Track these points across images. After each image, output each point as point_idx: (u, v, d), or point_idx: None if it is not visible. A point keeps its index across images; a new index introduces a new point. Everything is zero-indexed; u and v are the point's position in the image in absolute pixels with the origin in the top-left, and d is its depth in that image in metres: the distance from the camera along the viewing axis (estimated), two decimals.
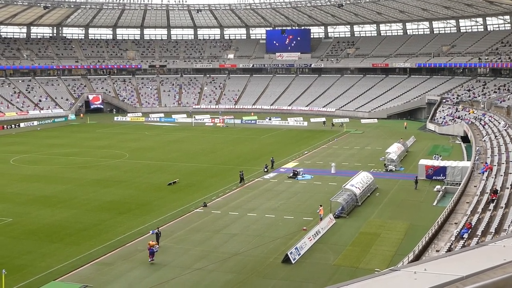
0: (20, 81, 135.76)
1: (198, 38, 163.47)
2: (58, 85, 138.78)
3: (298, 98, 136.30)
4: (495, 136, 63.69)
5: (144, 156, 71.28)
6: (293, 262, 32.04)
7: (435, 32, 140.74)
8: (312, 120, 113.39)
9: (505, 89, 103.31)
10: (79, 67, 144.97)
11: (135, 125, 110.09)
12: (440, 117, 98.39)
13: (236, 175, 55.74)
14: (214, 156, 70.75)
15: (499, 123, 72.80)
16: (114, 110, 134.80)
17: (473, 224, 31.38)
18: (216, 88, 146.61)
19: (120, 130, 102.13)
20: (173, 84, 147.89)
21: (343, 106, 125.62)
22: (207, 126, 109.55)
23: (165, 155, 71.44)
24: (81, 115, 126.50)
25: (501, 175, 42.15)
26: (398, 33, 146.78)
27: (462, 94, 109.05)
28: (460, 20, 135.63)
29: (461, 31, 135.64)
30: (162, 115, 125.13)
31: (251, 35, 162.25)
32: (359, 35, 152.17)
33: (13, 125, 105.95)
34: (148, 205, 46.05)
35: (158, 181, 55.18)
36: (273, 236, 37.08)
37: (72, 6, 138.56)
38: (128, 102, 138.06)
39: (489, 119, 79.68)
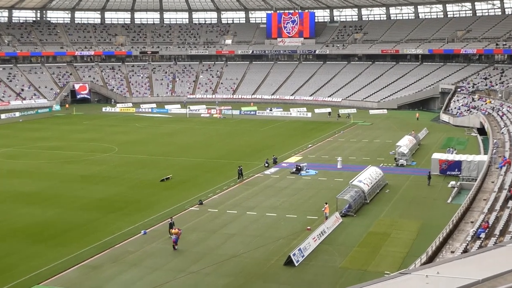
0: (0, 69, 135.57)
1: (193, 22, 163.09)
2: (42, 73, 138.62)
3: (302, 87, 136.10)
4: None
5: (135, 150, 71.25)
6: (296, 264, 32.08)
7: (449, 16, 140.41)
8: (316, 110, 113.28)
9: None
10: (64, 53, 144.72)
11: (125, 117, 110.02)
12: (455, 108, 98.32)
13: (234, 171, 55.75)
14: (210, 150, 70.70)
15: None
16: (108, 100, 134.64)
17: (490, 223, 31.38)
18: (212, 77, 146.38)
19: (108, 121, 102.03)
20: (166, 72, 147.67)
21: (350, 95, 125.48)
22: (202, 117, 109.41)
23: (158, 149, 71.38)
24: (67, 105, 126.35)
25: None
26: (410, 17, 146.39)
27: (478, 83, 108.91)
28: (476, 3, 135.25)
29: (477, 14, 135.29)
30: (154, 105, 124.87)
31: (250, 19, 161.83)
32: (367, 19, 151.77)
33: None
34: (139, 203, 46.06)
35: (150, 177, 55.16)
36: (274, 236, 37.12)
37: None
38: (117, 91, 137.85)
39: (507, 110, 79.60)
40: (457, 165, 53.41)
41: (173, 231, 35.61)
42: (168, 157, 66.19)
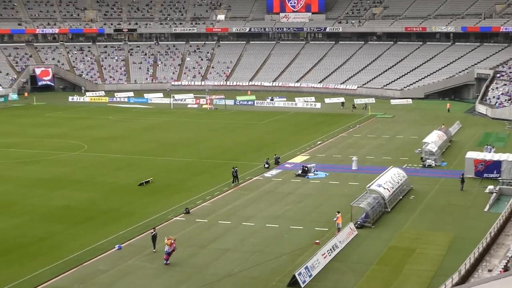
0: None
1: None
2: None
3: (309, 72, 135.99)
4: None
5: (108, 148, 71.14)
6: (302, 285, 32.01)
7: None
8: (327, 100, 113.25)
9: None
10: (23, 31, 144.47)
11: (96, 108, 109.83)
12: (493, 97, 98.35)
13: (228, 173, 55.66)
14: (199, 148, 70.56)
15: None
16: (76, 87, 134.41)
17: None
18: (201, 59, 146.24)
19: (76, 114, 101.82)
20: (145, 54, 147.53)
21: (368, 82, 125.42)
22: (190, 108, 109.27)
23: (136, 147, 71.27)
24: (26, 94, 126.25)
25: None
26: None
27: None
28: None
29: None
30: (131, 94, 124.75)
31: None
32: None
33: None
34: (113, 212, 45.92)
35: (127, 181, 55.03)
36: (276, 252, 37.06)
37: None
38: (87, 77, 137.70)
39: None
40: (496, 166, 53.32)
41: (166, 241, 35.49)
42: (148, 156, 66.02)
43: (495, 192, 48.34)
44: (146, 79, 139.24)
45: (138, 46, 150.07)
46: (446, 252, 36.55)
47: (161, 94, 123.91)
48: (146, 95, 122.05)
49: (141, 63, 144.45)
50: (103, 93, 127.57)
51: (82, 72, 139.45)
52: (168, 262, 35.31)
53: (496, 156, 54.54)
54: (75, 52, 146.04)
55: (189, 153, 67.49)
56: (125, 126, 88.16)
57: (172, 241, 35.62)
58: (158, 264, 35.49)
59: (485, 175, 53.77)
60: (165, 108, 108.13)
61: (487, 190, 49.62)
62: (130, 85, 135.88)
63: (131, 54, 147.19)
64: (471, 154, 55.95)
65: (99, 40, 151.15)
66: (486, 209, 45.07)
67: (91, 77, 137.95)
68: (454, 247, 37.18)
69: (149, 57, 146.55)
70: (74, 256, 36.70)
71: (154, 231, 38.18)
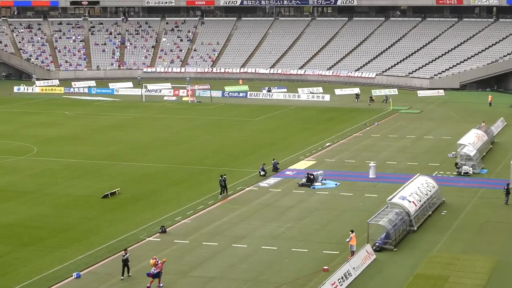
0: None
1: None
2: None
3: (315, 57, 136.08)
4: None
5: (64, 151, 71.04)
6: None
7: None
8: (337, 92, 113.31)
9: None
10: None
11: (49, 100, 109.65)
12: None
13: (214, 182, 55.68)
14: (178, 151, 70.58)
15: None
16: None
17: None
18: (181, 40, 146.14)
19: (23, 108, 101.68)
20: (110, 34, 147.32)
21: (389, 69, 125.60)
22: (166, 102, 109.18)
23: (98, 150, 71.21)
24: None
25: None
26: None
27: None
28: None
29: None
30: (92, 83, 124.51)
31: None
32: None
33: None
34: (70, 231, 45.79)
35: (87, 192, 54.92)
36: (274, 281, 37.06)
37: None
38: (36, 62, 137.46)
39: None
40: None
41: (151, 261, 36.06)
42: (114, 161, 65.99)
43: None
44: (112, 64, 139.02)
45: (102, 23, 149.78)
46: (487, 281, 36.56)
47: (130, 84, 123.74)
48: (111, 85, 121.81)
49: (105, 44, 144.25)
50: (57, 82, 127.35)
51: (30, 55, 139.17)
52: (150, 286, 35.58)
53: None
54: (22, 30, 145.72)
55: (166, 158, 67.41)
56: (85, 123, 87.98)
57: (158, 262, 35.82)
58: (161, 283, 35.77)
59: None
60: (135, 101, 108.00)
61: None
62: (91, 73, 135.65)
63: (92, 33, 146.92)
64: None
65: (52, 15, 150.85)
66: None
67: (42, 62, 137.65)
68: (497, 275, 37.22)
69: (115, 37, 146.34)
70: (21, 286, 36.52)
71: (126, 253, 38.15)
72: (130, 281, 36.93)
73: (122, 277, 37.45)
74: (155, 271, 35.83)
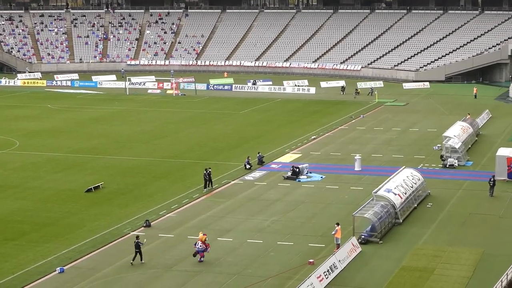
0: None
1: None
2: None
3: (301, 49, 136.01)
4: None
5: (46, 144, 70.86)
6: None
7: None
8: (323, 84, 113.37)
9: None
10: None
11: (31, 94, 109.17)
12: None
13: (199, 176, 55.66)
14: (162, 145, 70.52)
15: None
16: None
17: None
18: (165, 32, 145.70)
19: (5, 101, 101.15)
20: (93, 26, 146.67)
21: (374, 61, 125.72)
22: (150, 95, 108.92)
23: (81, 143, 71.02)
24: None
25: None
26: None
27: None
28: None
29: None
30: (75, 76, 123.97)
31: None
32: None
33: None
34: (53, 225, 45.72)
35: (70, 186, 54.82)
36: (260, 274, 37.14)
37: None
38: (18, 55, 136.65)
39: None
40: None
41: (202, 236, 38.78)
42: (98, 155, 65.83)
43: None
44: (95, 57, 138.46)
45: (84, 15, 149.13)
46: (472, 273, 36.78)
47: (113, 77, 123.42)
48: (94, 78, 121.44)
49: (87, 37, 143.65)
50: (39, 75, 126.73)
51: (11, 48, 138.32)
52: (202, 259, 38.64)
53: None
54: (3, 22, 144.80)
55: (150, 151, 67.34)
56: (68, 117, 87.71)
57: (207, 240, 38.87)
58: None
59: None
60: (119, 94, 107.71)
61: None
62: (74, 65, 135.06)
63: (75, 26, 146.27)
64: (504, 151, 56.27)
65: (34, 7, 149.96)
66: None
67: (24, 55, 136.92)
68: (482, 267, 37.45)
69: (98, 30, 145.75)
70: (3, 282, 36.47)
71: (137, 238, 38.83)
72: (128, 271, 36.90)
73: (132, 262, 38.38)
74: (201, 248, 38.33)
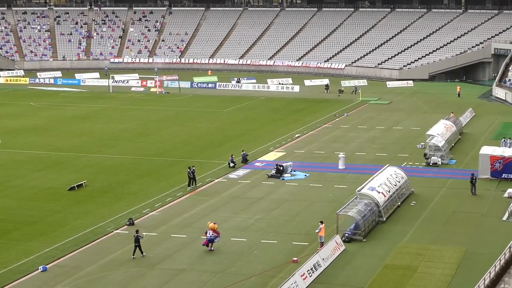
0: None
1: None
2: None
3: (285, 47, 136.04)
4: None
5: (29, 142, 70.52)
6: None
7: None
8: (307, 83, 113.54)
9: None
10: None
11: (14, 91, 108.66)
12: None
13: (183, 174, 55.62)
14: (145, 143, 70.35)
15: None
16: None
17: None
18: (149, 30, 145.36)
19: None
20: (76, 23, 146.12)
21: (358, 60, 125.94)
22: (134, 92, 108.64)
23: (64, 141, 70.76)
24: None
25: None
26: None
27: None
28: None
29: None
30: (58, 74, 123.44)
31: None
32: None
33: None
34: (36, 224, 45.57)
35: (53, 184, 54.66)
36: (244, 272, 37.18)
37: None
38: (0, 52, 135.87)
39: None
40: None
41: (213, 225, 40.36)
42: (81, 153, 65.60)
43: None
44: (78, 55, 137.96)
45: (67, 13, 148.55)
46: (455, 271, 36.96)
47: (97, 74, 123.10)
48: (77, 76, 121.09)
49: (71, 34, 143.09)
50: (22, 72, 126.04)
51: None
52: (212, 248, 40.22)
53: None
54: None
55: (133, 149, 67.17)
56: (51, 114, 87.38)
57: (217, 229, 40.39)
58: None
59: (503, 175, 54.38)
60: (102, 92, 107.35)
61: (506, 195, 50.14)
62: (57, 63, 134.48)
63: (58, 23, 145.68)
64: (487, 150, 56.50)
65: (17, 4, 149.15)
66: (504, 218, 45.58)
67: (6, 52, 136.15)
68: (465, 265, 37.64)
69: (81, 27, 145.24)
70: None
71: (137, 232, 39.35)
72: (111, 270, 36.81)
73: (133, 256, 38.94)
74: (213, 236, 39.90)
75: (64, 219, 46.46)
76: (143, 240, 39.65)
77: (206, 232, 40.30)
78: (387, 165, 53.36)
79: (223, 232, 43.01)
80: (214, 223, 40.58)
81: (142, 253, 39.23)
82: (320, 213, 45.90)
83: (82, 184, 54.04)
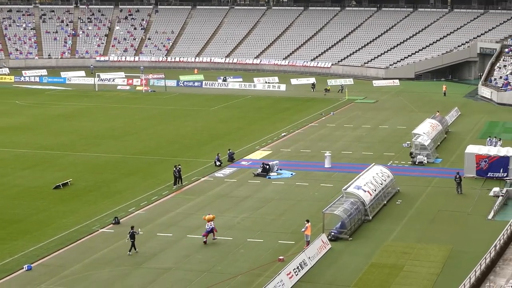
0: None
1: None
2: None
3: (271, 46, 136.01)
4: None
5: (14, 141, 70.26)
6: None
7: None
8: (293, 81, 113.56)
9: None
10: None
11: None
12: (500, 77, 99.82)
13: (169, 172, 55.51)
14: (131, 141, 70.22)
15: None
16: None
17: None
18: (135, 29, 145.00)
19: None
20: (62, 21, 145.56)
21: (344, 59, 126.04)
22: (120, 91, 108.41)
23: (50, 140, 70.54)
24: None
25: None
26: None
27: None
28: None
29: None
30: (44, 72, 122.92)
31: None
32: None
33: None
34: (21, 222, 45.39)
35: (38, 183, 54.46)
36: (230, 271, 37.14)
37: None
38: None
39: None
40: (503, 163, 54.13)
41: (210, 216, 41.56)
42: (66, 152, 65.40)
43: (501, 196, 49.09)
44: (64, 53, 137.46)
45: (53, 11, 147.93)
46: (441, 270, 37.07)
47: (82, 73, 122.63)
48: (63, 74, 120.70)
49: (56, 32, 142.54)
50: (7, 70, 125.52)
51: None
52: (215, 237, 41.39)
53: (503, 151, 55.39)
54: None
55: (119, 148, 67.03)
56: (36, 113, 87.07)
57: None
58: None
59: (489, 174, 54.58)
60: (88, 91, 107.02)
61: (491, 193, 50.38)
62: (43, 61, 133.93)
63: (43, 21, 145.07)
64: (472, 149, 56.71)
65: (2, 2, 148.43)
66: (490, 217, 45.78)
67: None
68: (450, 264, 37.75)
69: (67, 25, 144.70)
70: None
71: (132, 228, 39.69)
72: (97, 269, 36.70)
73: (129, 253, 39.18)
74: (210, 228, 41.01)
75: (49, 217, 46.29)
76: (120, 242, 39.66)
77: (206, 225, 41.44)
78: (373, 164, 53.43)
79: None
80: (209, 214, 42.12)
81: (135, 249, 39.48)
82: (306, 212, 45.95)
83: (67, 182, 53.85)
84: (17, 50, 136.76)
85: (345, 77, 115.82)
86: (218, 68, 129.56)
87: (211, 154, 62.32)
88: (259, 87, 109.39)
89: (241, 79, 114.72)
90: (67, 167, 59.52)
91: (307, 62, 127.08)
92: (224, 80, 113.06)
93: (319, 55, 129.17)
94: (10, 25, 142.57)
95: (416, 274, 36.60)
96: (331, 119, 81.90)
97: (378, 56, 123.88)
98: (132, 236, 39.32)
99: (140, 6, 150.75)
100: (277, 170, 57.18)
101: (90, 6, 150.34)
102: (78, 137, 71.85)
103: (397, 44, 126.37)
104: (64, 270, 37.25)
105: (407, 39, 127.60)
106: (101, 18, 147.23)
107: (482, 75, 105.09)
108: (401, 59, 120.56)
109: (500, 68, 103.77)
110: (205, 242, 41.13)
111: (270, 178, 55.82)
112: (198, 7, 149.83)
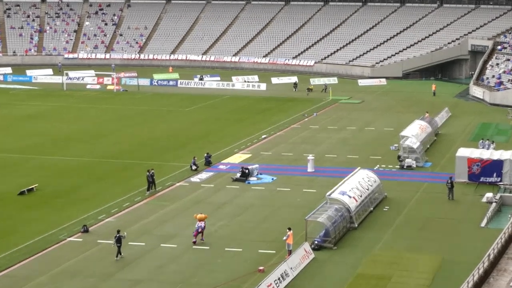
0: None
1: None
2: None
3: (251, 43, 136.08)
4: None
5: None
6: None
7: None
8: (274, 80, 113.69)
9: None
10: None
11: None
12: (492, 76, 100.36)
13: (142, 177, 55.25)
14: (101, 144, 69.90)
15: None
16: None
17: None
18: (105, 24, 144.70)
19: None
20: (28, 16, 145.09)
21: (328, 56, 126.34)
22: (89, 90, 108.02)
23: (14, 142, 70.13)
24: None
25: None
26: None
27: None
28: None
29: None
30: (8, 70, 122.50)
31: None
32: None
33: None
34: None
35: (1, 189, 54.00)
36: (206, 282, 36.93)
37: None
38: None
39: None
40: (496, 167, 54.27)
41: (202, 216, 42.46)
42: (32, 155, 65.00)
43: (495, 202, 49.22)
44: (30, 49, 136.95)
45: (18, 5, 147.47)
46: (431, 281, 37.01)
47: (50, 71, 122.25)
48: (29, 72, 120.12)
49: (22, 28, 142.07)
50: None
51: None
52: (203, 238, 42.22)
53: (496, 154, 55.59)
54: None
55: (88, 151, 66.67)
56: (0, 114, 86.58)
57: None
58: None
59: (481, 179, 54.72)
60: (55, 90, 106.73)
61: (484, 199, 50.48)
62: (7, 58, 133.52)
63: (8, 16, 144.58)
64: (464, 152, 56.84)
65: None
66: (483, 224, 45.86)
67: None
68: (441, 274, 37.70)
69: (33, 20, 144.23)
70: None
71: (118, 232, 39.77)
72: (64, 280, 36.41)
73: (116, 258, 39.46)
74: (199, 226, 42.02)
75: (13, 226, 45.93)
76: (102, 247, 39.31)
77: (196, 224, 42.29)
78: (359, 168, 53.39)
79: (184, 240, 42.89)
80: (201, 214, 43.21)
81: (121, 254, 39.85)
82: (288, 219, 45.70)
83: (33, 188, 53.42)
84: None
85: (329, 76, 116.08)
86: (194, 66, 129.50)
87: (187, 157, 62.11)
88: (238, 87, 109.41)
89: (218, 78, 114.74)
90: (33, 171, 59.09)
91: (288, 60, 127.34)
92: (201, 79, 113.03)
93: (302, 52, 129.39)
94: None
95: (405, 285, 36.57)
96: (314, 120, 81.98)
97: (363, 53, 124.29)
98: (119, 240, 39.40)
99: (112, 1, 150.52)
100: (257, 174, 57.04)
101: (58, 0, 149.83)
102: (44, 140, 71.50)
103: (384, 41, 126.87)
104: (30, 282, 36.88)
105: (394, 35, 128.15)
106: (70, 13, 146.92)
107: (474, 73, 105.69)
108: (388, 57, 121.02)
109: (492, 66, 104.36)
110: (194, 242, 41.34)
111: (249, 183, 55.66)
112: (173, 1, 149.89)
